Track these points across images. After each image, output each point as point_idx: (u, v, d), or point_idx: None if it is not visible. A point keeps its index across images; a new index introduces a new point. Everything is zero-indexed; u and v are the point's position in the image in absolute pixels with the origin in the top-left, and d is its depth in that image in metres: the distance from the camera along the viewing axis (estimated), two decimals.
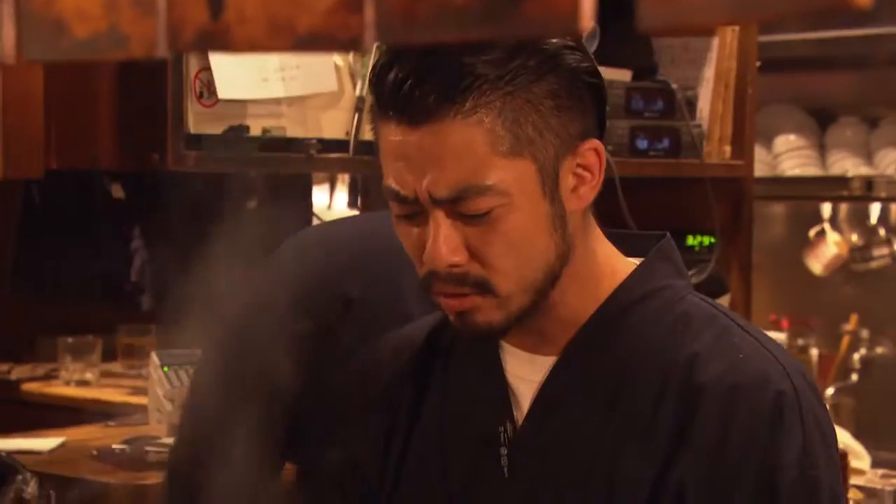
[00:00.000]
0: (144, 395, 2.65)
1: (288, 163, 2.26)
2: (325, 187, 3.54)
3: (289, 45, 0.61)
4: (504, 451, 1.15)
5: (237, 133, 2.16)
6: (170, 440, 2.37)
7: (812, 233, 3.87)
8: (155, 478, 2.18)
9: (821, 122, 3.88)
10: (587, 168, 1.11)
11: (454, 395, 1.21)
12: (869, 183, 3.50)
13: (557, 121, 1.09)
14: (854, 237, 3.89)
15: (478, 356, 1.19)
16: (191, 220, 3.10)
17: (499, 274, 1.09)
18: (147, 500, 2.16)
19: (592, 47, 2.41)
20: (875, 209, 3.85)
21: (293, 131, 2.22)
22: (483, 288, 1.09)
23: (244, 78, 2.14)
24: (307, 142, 2.21)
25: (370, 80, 1.11)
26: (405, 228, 1.12)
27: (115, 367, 3.11)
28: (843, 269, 3.86)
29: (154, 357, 2.55)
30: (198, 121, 2.12)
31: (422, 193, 1.07)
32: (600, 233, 1.17)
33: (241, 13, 0.62)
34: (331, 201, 3.58)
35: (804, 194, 3.83)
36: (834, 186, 3.65)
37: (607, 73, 2.56)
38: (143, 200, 3.02)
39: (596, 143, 1.12)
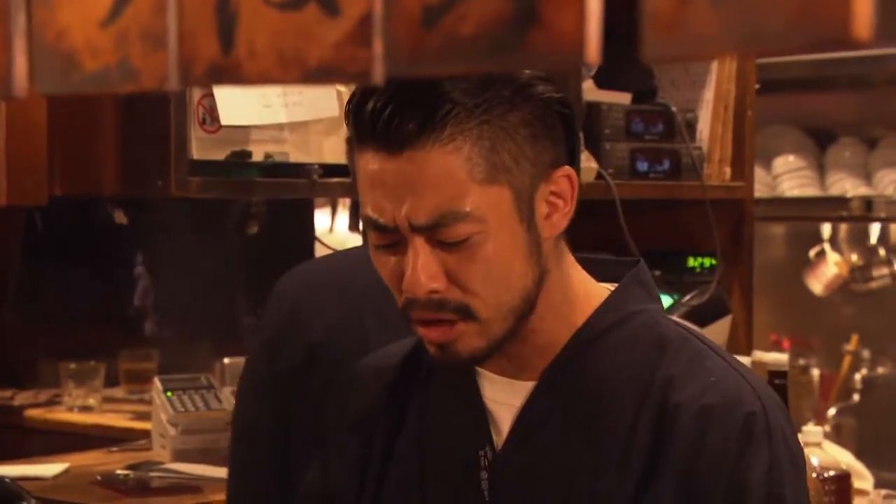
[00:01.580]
0: (147, 421, 2.65)
1: (290, 188, 2.27)
2: (327, 211, 3.55)
3: (299, 78, 0.62)
4: (485, 475, 1.17)
5: (240, 159, 2.17)
6: (174, 465, 2.37)
7: (812, 253, 3.88)
8: (158, 503, 2.18)
9: (820, 142, 3.89)
10: (560, 195, 1.13)
11: (432, 420, 1.22)
12: (868, 203, 3.52)
13: (532, 149, 1.10)
14: (854, 257, 3.89)
15: (455, 381, 1.20)
16: (193, 245, 3.12)
17: (478, 299, 1.10)
18: None
19: (592, 71, 2.43)
20: (875, 229, 3.85)
21: (295, 156, 2.23)
22: (464, 313, 1.11)
23: (247, 104, 2.15)
24: (309, 167, 2.22)
25: (347, 111, 1.13)
26: (383, 257, 1.13)
27: (118, 392, 3.11)
28: (844, 289, 3.86)
29: (157, 382, 2.55)
30: (200, 147, 2.13)
31: (401, 221, 1.09)
32: (573, 259, 1.19)
33: (252, 47, 0.63)
34: (332, 225, 3.59)
35: (804, 215, 3.84)
36: (833, 207, 3.66)
37: (607, 96, 2.57)
38: (146, 226, 3.02)
39: (569, 170, 1.13)
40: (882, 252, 3.84)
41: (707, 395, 1.12)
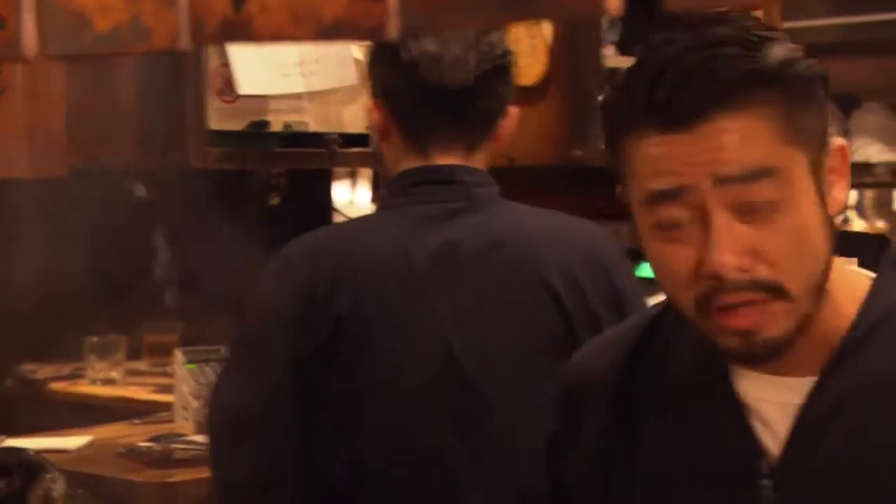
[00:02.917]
0: (170, 393, 2.65)
1: (310, 158, 2.26)
2: (347, 182, 3.54)
3: (312, 35, 0.61)
4: (766, 482, 1.11)
5: (258, 129, 2.16)
6: (196, 437, 2.38)
7: (838, 220, 3.85)
8: (182, 475, 2.18)
9: (844, 108, 3.85)
10: (837, 168, 1.10)
11: (680, 424, 1.16)
12: (894, 169, 3.48)
13: (817, 119, 1.09)
14: (880, 223, 3.86)
15: (707, 381, 1.14)
16: (213, 217, 3.11)
17: (786, 273, 1.05)
18: (174, 497, 2.16)
19: (614, 37, 2.40)
20: None
21: (314, 126, 2.22)
22: (775, 291, 1.05)
23: (264, 73, 2.14)
24: (329, 136, 2.21)
25: (613, 102, 1.08)
26: (669, 249, 1.07)
27: (141, 365, 3.12)
28: None
29: (179, 354, 2.56)
30: (218, 117, 2.12)
31: (702, 180, 1.04)
32: None
33: (264, 3, 0.61)
34: (353, 196, 3.58)
35: None
36: (858, 173, 3.61)
37: (629, 61, 2.54)
38: (166, 198, 3.02)
39: (843, 141, 1.11)
40: None
41: None
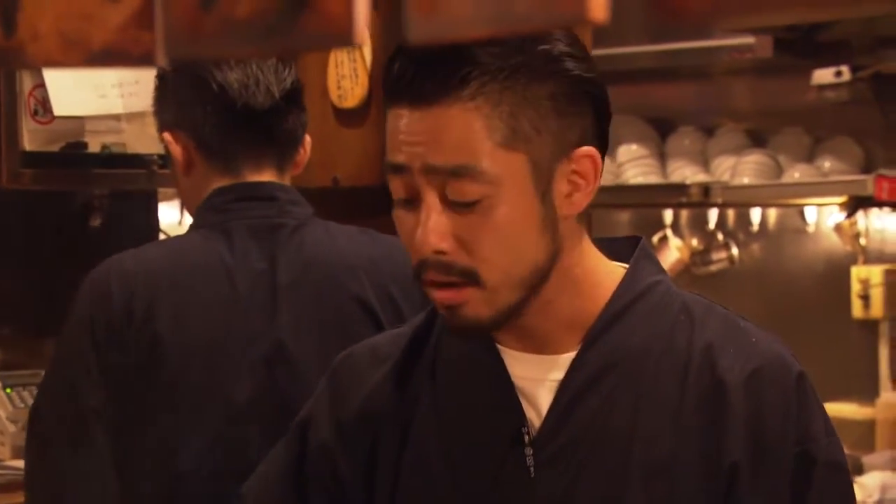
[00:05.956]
0: None
1: (129, 179, 2.26)
2: (176, 204, 3.52)
3: (82, 61, 0.64)
4: (529, 451, 1.17)
5: (75, 150, 2.15)
6: (13, 462, 2.34)
7: (655, 238, 4.00)
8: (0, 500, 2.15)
9: (661, 131, 4.01)
10: (582, 175, 1.15)
11: (452, 402, 1.22)
12: (706, 189, 3.63)
13: (555, 123, 1.13)
14: (694, 242, 4.02)
15: (477, 363, 1.21)
16: (32, 239, 3.06)
17: (485, 264, 1.12)
18: None
19: None
20: (713, 214, 3.99)
21: (134, 147, 2.22)
22: (470, 277, 1.12)
23: (81, 94, 2.13)
24: (148, 157, 2.22)
25: (384, 72, 1.16)
26: (402, 215, 1.14)
27: None
28: (686, 272, 3.99)
29: None
30: (33, 138, 2.11)
31: (416, 160, 1.11)
32: (588, 238, 1.21)
33: (35, 30, 0.64)
34: (181, 218, 3.56)
35: (647, 201, 3.95)
36: (674, 193, 3.77)
37: None
38: None
39: (592, 150, 1.15)
40: (720, 236, 3.97)
41: (753, 359, 1.17)
